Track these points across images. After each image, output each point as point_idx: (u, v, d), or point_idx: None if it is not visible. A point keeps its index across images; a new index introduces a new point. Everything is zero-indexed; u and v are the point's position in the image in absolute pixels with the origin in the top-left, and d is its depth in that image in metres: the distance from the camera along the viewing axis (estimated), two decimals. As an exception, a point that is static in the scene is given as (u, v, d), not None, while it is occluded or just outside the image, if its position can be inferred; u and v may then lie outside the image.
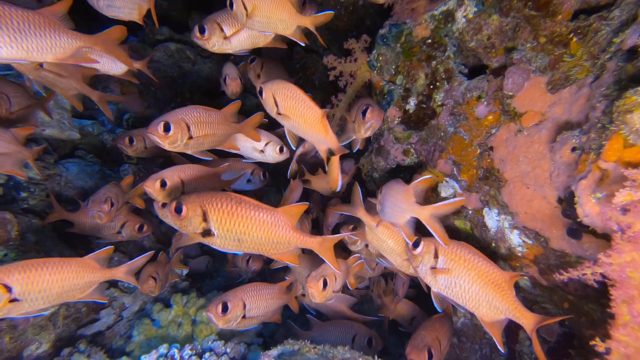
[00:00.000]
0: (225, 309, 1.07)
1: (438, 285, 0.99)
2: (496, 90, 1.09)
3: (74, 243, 1.60)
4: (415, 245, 1.01)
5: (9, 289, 0.90)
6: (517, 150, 0.97)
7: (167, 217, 1.00)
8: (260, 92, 1.25)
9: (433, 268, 0.99)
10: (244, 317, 1.12)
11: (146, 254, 1.17)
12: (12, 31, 0.87)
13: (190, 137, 1.11)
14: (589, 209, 0.62)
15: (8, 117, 1.31)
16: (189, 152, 1.17)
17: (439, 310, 1.12)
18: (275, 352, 0.87)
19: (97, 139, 2.18)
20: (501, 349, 0.94)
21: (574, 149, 0.71)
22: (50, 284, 0.95)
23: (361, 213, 1.26)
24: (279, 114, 1.24)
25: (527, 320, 0.88)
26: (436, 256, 0.98)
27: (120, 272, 1.10)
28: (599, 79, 0.76)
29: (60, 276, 0.97)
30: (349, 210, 1.28)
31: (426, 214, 1.02)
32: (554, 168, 0.83)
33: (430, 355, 1.16)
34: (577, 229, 0.77)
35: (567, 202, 0.72)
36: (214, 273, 2.12)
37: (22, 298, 0.92)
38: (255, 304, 1.14)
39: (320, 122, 1.18)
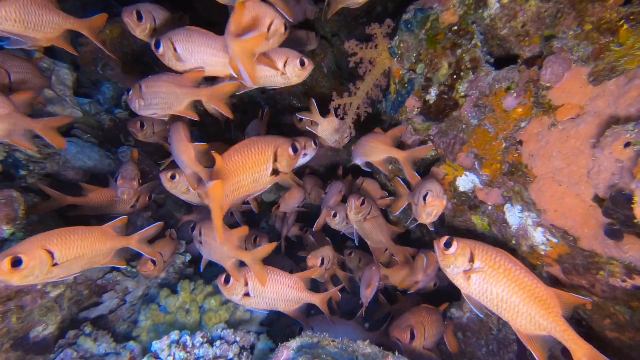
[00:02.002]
0: (227, 280, 1.18)
1: (470, 289, 0.94)
2: (528, 82, 1.04)
3: (74, 222, 1.55)
4: (447, 245, 0.95)
5: (51, 254, 0.98)
6: (550, 145, 0.94)
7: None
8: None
9: (466, 271, 0.93)
10: (247, 294, 1.19)
11: (156, 223, 1.25)
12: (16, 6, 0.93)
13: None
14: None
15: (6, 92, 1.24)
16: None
17: (480, 315, 1.05)
18: (295, 344, 0.84)
19: (94, 119, 2.09)
20: (535, 355, 0.88)
21: (627, 145, 0.67)
22: (82, 249, 1.05)
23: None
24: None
25: (579, 348, 0.82)
26: (471, 260, 0.92)
27: (134, 241, 1.19)
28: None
29: (89, 242, 1.07)
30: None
31: (403, 155, 1.29)
32: (594, 165, 0.79)
33: (412, 337, 1.17)
34: (618, 230, 0.74)
35: (614, 201, 0.68)
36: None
37: (61, 263, 1.00)
38: (258, 285, 1.18)
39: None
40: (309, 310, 1.47)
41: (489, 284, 0.90)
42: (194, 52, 1.20)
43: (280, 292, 1.21)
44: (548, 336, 0.88)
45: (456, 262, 0.94)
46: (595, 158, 0.78)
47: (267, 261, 1.21)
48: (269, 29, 1.14)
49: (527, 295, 0.87)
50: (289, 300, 1.23)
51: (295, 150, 1.13)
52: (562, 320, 0.85)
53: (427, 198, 1.18)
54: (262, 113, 1.86)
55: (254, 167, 1.08)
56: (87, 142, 1.96)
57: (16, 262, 0.92)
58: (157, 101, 1.25)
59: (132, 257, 1.58)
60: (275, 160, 1.11)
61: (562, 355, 1.06)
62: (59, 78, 1.69)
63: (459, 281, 0.96)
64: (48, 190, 1.36)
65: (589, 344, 0.82)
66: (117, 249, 1.16)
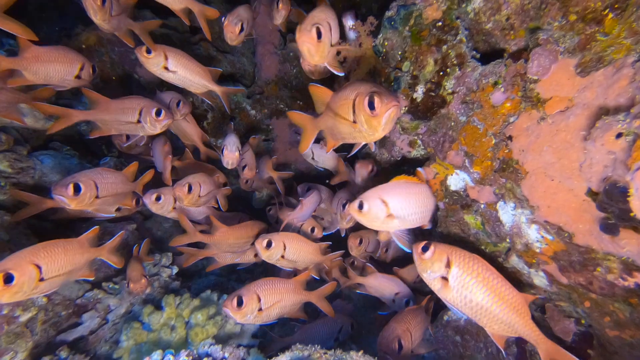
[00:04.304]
0: (240, 302, 1.15)
1: (446, 295, 0.98)
2: (515, 76, 1.02)
3: (49, 238, 1.48)
4: (424, 249, 0.99)
5: (39, 269, 0.96)
6: (540, 139, 0.91)
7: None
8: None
9: (444, 278, 0.97)
10: (259, 310, 1.19)
11: (119, 233, 1.27)
12: None
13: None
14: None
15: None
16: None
17: (463, 316, 1.16)
18: (285, 359, 0.79)
19: (73, 130, 2.02)
20: (503, 351, 1.00)
21: (618, 135, 0.64)
22: (65, 263, 1.04)
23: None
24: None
25: (545, 346, 0.91)
26: (448, 265, 0.96)
27: (104, 251, 1.21)
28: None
29: (70, 255, 1.06)
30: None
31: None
32: (586, 158, 0.77)
33: (401, 347, 1.18)
34: (613, 224, 0.71)
35: (608, 195, 0.66)
36: (202, 271, 2.03)
37: (47, 278, 0.98)
38: (270, 297, 1.22)
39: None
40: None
41: (465, 290, 0.94)
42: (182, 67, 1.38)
43: (287, 299, 1.27)
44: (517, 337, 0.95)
45: (433, 267, 0.97)
46: (587, 151, 0.76)
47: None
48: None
49: (503, 302, 0.92)
50: (293, 304, 1.30)
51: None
52: (531, 323, 0.92)
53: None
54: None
55: None
56: (66, 155, 1.88)
57: (7, 279, 0.88)
58: None
59: (115, 272, 1.51)
60: None
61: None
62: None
63: (435, 286, 0.99)
64: (23, 194, 1.28)
65: (553, 342, 0.90)
66: (90, 261, 1.15)
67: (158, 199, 1.47)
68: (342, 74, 1.27)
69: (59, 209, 1.39)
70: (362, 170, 1.49)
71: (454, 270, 0.95)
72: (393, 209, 1.07)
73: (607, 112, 0.74)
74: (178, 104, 1.61)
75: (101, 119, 1.34)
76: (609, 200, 0.64)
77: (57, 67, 1.23)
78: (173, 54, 1.39)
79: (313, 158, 1.85)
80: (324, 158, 1.84)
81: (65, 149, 1.88)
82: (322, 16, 1.10)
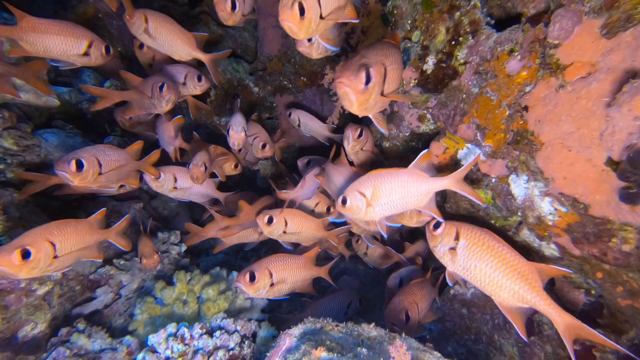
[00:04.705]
0: (252, 278, 1.17)
1: (455, 266, 1.00)
2: (533, 42, 0.97)
3: (57, 216, 1.49)
4: (436, 227, 1.02)
5: (53, 246, 0.98)
6: (558, 108, 0.88)
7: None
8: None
9: (452, 249, 1.00)
10: (271, 285, 1.22)
11: (125, 216, 1.28)
12: None
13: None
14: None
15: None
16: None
17: (450, 284, 1.18)
18: (297, 331, 0.80)
19: (75, 108, 1.99)
20: (523, 336, 0.92)
21: (649, 99, 0.61)
22: (77, 242, 1.05)
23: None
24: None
25: (562, 319, 0.85)
26: (457, 238, 0.98)
27: (112, 233, 1.23)
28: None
29: (81, 235, 1.07)
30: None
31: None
32: (607, 125, 0.74)
33: (408, 318, 1.21)
34: (635, 193, 0.69)
35: (632, 163, 0.63)
36: (209, 250, 2.05)
37: (60, 255, 1.00)
38: (281, 273, 1.24)
39: None
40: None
41: (472, 259, 0.95)
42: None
43: (298, 275, 1.31)
44: (528, 308, 0.92)
45: (442, 241, 1.00)
46: (610, 118, 0.73)
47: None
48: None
49: (510, 269, 0.91)
50: (304, 280, 1.33)
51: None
52: (544, 293, 0.89)
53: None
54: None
55: None
56: (70, 133, 1.86)
57: (25, 255, 0.90)
58: None
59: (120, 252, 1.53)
60: None
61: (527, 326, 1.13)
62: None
63: (445, 259, 1.02)
64: (27, 174, 1.29)
65: (569, 315, 0.84)
66: (99, 242, 1.16)
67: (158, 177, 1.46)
68: (336, 49, 1.16)
69: (63, 185, 1.39)
70: (349, 132, 1.46)
71: (462, 242, 0.97)
72: (371, 199, 1.07)
73: (634, 76, 0.71)
74: (199, 78, 1.56)
75: (136, 99, 1.35)
76: (633, 168, 0.62)
77: (57, 40, 1.19)
78: (153, 17, 1.33)
79: (299, 125, 1.88)
80: (310, 126, 1.86)
81: (69, 127, 1.86)
82: None
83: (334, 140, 1.83)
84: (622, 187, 0.74)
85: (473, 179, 1.24)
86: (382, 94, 0.91)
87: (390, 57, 0.95)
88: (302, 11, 0.85)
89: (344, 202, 1.08)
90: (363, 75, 0.81)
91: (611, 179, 0.77)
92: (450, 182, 1.02)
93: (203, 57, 1.47)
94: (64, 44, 1.21)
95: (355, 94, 0.83)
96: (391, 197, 1.08)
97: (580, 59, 0.82)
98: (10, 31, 1.12)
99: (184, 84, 1.56)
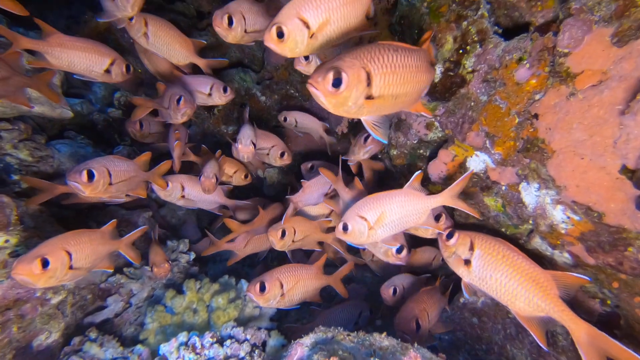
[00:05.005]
0: (263, 288, 1.18)
1: (471, 276, 0.99)
2: (542, 50, 0.97)
3: (70, 225, 1.51)
4: (449, 236, 1.02)
5: (70, 256, 1.00)
6: (569, 116, 0.87)
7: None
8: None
9: (467, 260, 0.99)
10: (282, 295, 1.23)
11: (140, 227, 1.30)
12: None
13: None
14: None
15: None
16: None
17: (467, 297, 1.19)
18: (309, 341, 0.80)
19: (86, 119, 2.03)
20: (543, 346, 0.90)
21: (663, 108, 0.61)
22: (90, 252, 1.07)
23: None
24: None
25: (577, 327, 0.83)
26: (471, 249, 0.99)
27: (123, 244, 1.24)
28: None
29: (94, 245, 1.09)
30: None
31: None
32: (621, 133, 0.73)
33: (418, 326, 1.21)
34: (651, 202, 0.69)
35: (648, 171, 0.63)
36: (217, 257, 2.06)
37: (75, 266, 1.01)
38: (291, 283, 1.25)
39: None
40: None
41: (488, 270, 0.94)
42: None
43: (308, 284, 1.32)
44: (546, 317, 0.90)
45: (457, 251, 1.00)
46: (624, 126, 0.72)
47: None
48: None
49: (525, 278, 0.90)
50: (315, 289, 1.35)
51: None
52: (560, 301, 0.88)
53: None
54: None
55: None
56: (82, 143, 1.90)
57: (44, 264, 0.92)
58: None
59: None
60: None
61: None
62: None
63: (460, 269, 1.01)
64: (34, 181, 1.30)
65: (587, 323, 0.82)
66: (110, 252, 1.18)
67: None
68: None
69: (71, 194, 1.41)
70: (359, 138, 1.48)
71: (477, 252, 0.97)
72: (372, 222, 1.08)
73: (646, 84, 0.71)
74: (225, 90, 1.58)
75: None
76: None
77: (82, 56, 1.25)
78: (153, 21, 1.36)
79: (296, 126, 1.90)
80: (306, 123, 1.87)
81: (80, 138, 1.90)
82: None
83: (337, 151, 1.83)
84: (638, 196, 0.73)
85: (482, 187, 1.23)
86: (370, 98, 0.79)
87: (381, 60, 0.80)
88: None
89: (344, 228, 1.08)
90: (330, 76, 0.72)
91: (626, 187, 0.77)
92: (444, 199, 1.08)
93: (200, 62, 1.50)
94: (89, 60, 1.25)
95: (324, 95, 0.74)
96: (392, 218, 1.10)
97: (591, 67, 0.82)
98: (40, 45, 1.18)
99: (210, 94, 1.58)
